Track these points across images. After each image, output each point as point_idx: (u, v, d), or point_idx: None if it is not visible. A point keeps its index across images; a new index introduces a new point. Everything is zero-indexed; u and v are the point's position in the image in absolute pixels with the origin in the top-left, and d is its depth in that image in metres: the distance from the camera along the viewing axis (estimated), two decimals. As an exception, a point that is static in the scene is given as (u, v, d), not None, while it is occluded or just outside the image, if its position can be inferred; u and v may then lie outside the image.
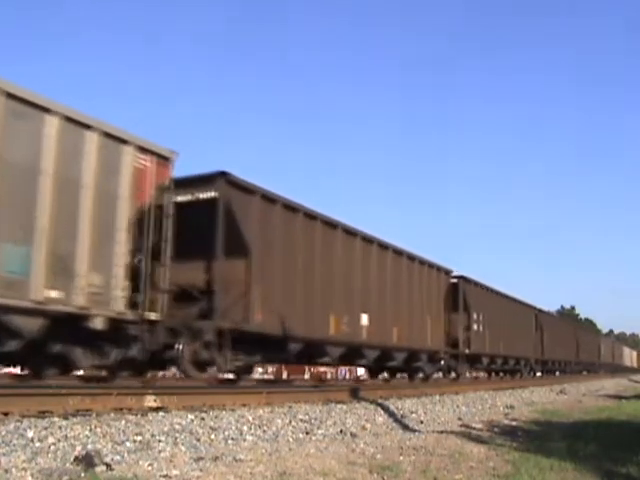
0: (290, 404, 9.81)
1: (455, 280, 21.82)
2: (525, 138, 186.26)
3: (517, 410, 12.36)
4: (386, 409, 10.45)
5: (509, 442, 7.05)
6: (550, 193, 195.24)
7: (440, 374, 22.18)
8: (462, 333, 21.58)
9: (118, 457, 5.16)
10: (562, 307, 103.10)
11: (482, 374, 31.58)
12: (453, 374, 22.69)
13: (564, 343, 38.88)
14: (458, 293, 21.73)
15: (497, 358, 25.79)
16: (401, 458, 5.80)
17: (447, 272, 21.19)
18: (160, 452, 5.55)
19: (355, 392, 12.14)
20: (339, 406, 10.12)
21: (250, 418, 7.86)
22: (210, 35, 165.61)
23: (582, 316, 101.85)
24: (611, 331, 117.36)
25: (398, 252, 17.40)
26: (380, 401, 11.41)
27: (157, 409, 7.92)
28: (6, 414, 6.47)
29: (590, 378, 37.51)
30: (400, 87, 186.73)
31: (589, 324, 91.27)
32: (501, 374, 29.69)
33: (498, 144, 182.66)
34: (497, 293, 26.17)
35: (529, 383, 23.83)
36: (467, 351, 21.77)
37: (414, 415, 10.19)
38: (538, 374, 34.35)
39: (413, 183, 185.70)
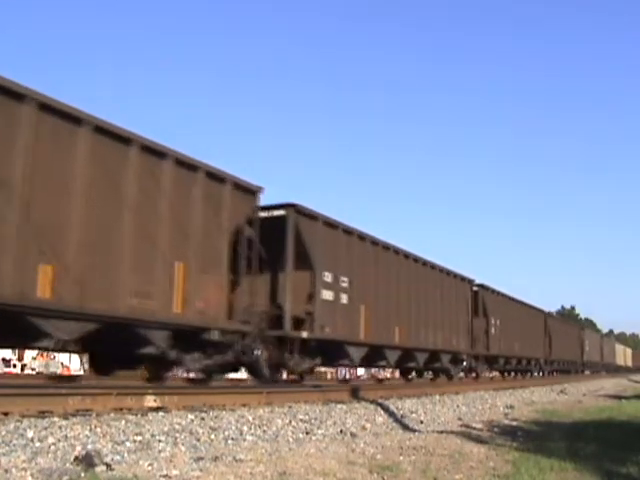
0: (290, 404, 9.83)
1: (281, 212, 12.60)
2: (525, 140, 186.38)
3: (517, 410, 12.35)
4: (386, 409, 10.46)
5: (509, 442, 7.05)
6: (551, 193, 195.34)
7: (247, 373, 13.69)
8: (294, 304, 12.47)
9: (118, 457, 5.16)
10: (562, 307, 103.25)
11: (366, 375, 25.30)
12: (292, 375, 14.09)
13: (527, 335, 29.41)
14: (286, 235, 12.49)
15: (388, 350, 16.13)
16: (401, 458, 5.80)
17: (247, 190, 11.56)
18: (160, 452, 5.55)
19: (355, 392, 12.16)
20: (339, 406, 10.13)
21: (250, 418, 7.86)
22: None
23: (582, 316, 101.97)
24: (611, 331, 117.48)
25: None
26: (380, 401, 11.42)
27: (157, 409, 7.93)
28: (6, 414, 6.48)
29: (590, 378, 37.48)
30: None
31: (589, 324, 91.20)
32: (426, 375, 21.56)
33: (497, 143, 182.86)
34: (386, 247, 16.21)
35: (529, 383, 23.88)
36: (305, 335, 12.52)
37: (414, 415, 10.19)
38: (487, 374, 26.06)
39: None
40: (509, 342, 26.24)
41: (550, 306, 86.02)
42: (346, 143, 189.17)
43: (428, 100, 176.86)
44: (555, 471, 5.29)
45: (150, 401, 8.13)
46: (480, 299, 23.38)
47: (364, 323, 14.66)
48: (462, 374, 22.44)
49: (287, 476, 4.74)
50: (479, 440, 7.21)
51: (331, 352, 13.95)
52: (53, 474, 4.32)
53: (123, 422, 6.63)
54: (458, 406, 12.35)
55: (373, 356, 15.65)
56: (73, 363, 29.99)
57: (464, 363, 21.97)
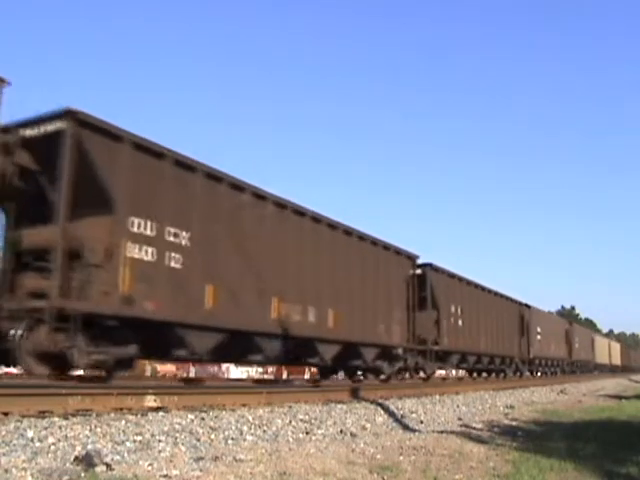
0: (290, 404, 9.82)
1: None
2: (526, 140, 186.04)
3: (517, 410, 12.35)
4: (386, 409, 10.45)
5: (509, 442, 7.04)
6: (551, 193, 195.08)
7: None
8: None
9: (118, 457, 5.16)
10: (562, 307, 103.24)
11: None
12: None
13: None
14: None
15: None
16: (401, 458, 5.79)
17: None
18: (160, 452, 5.54)
19: (355, 392, 12.15)
20: (339, 406, 10.12)
21: (250, 418, 7.86)
22: None
23: (582, 316, 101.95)
24: (611, 331, 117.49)
25: None
26: (380, 401, 11.42)
27: (157, 409, 7.93)
28: (6, 414, 6.48)
29: (591, 378, 37.41)
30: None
31: (589, 324, 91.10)
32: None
33: (497, 142, 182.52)
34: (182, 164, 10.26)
35: (529, 383, 23.86)
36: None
37: (414, 415, 10.19)
38: (438, 374, 21.68)
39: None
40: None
41: (550, 306, 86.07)
42: (346, 140, 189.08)
43: (429, 98, 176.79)
44: (555, 471, 5.29)
45: (150, 401, 8.13)
46: (428, 282, 18.91)
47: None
48: (407, 374, 18.36)
49: (287, 476, 4.73)
50: (479, 440, 7.20)
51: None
52: (53, 474, 4.32)
53: (123, 422, 6.62)
54: (458, 406, 12.34)
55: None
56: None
57: (400, 361, 17.44)
